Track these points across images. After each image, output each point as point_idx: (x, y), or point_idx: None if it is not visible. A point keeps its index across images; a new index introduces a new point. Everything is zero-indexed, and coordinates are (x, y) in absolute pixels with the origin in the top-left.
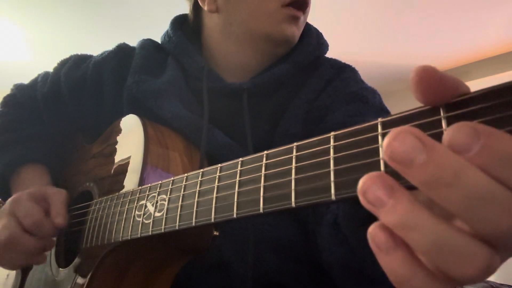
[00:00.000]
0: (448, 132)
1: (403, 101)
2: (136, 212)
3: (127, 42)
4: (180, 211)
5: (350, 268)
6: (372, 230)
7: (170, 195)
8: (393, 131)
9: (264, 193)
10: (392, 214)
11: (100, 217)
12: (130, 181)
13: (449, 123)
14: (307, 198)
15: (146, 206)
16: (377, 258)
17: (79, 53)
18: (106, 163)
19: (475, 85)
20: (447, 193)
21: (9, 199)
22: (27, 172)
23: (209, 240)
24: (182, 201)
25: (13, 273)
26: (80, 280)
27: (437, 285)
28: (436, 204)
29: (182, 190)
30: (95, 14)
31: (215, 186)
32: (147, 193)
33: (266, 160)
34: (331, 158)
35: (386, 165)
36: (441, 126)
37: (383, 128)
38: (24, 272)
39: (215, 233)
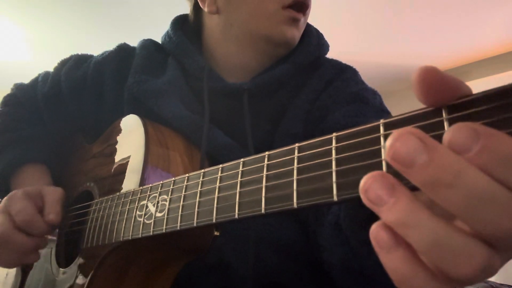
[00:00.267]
0: (448, 132)
1: (403, 101)
2: (137, 212)
3: (127, 42)
4: (182, 211)
5: (351, 268)
6: (374, 229)
7: (171, 195)
8: (395, 133)
9: (266, 193)
10: (392, 212)
11: (101, 217)
12: (131, 181)
13: (451, 125)
14: (309, 199)
15: (147, 206)
16: (379, 256)
17: (80, 53)
18: (107, 163)
19: (475, 85)
20: (447, 193)
21: (5, 197)
22: (28, 172)
23: (209, 240)
24: (183, 201)
25: (12, 272)
26: (80, 280)
27: (437, 285)
28: (436, 204)
29: (184, 191)
30: (95, 14)
31: (217, 187)
32: (148, 193)
33: (268, 160)
34: (333, 159)
35: (388, 166)
36: (443, 128)
37: (385, 129)
38: (24, 272)
39: (216, 233)
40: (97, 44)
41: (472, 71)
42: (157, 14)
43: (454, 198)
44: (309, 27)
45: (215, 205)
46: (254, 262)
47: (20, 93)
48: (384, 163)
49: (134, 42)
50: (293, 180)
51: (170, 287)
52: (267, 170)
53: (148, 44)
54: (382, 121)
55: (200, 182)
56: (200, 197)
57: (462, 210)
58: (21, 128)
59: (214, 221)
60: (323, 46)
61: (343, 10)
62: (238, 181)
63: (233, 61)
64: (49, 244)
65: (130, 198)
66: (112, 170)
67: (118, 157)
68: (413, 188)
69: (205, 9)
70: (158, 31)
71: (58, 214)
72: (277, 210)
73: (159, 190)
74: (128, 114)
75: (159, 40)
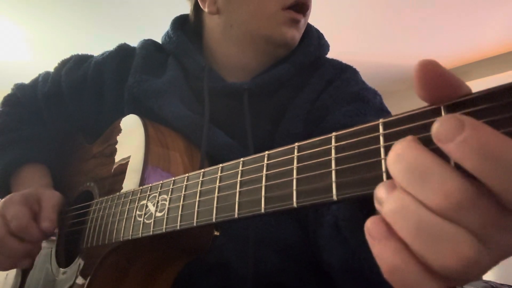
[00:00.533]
0: (436, 122)
1: (403, 101)
2: (137, 212)
3: (127, 42)
4: (181, 211)
5: (350, 269)
6: (368, 222)
7: (171, 195)
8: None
9: (265, 193)
10: (387, 205)
11: (101, 217)
12: (131, 181)
13: None
14: (309, 198)
15: (147, 206)
16: (371, 248)
17: (80, 53)
18: (107, 163)
19: (475, 85)
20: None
21: (2, 200)
22: (28, 172)
23: (209, 240)
24: (183, 201)
25: (12, 272)
26: (80, 280)
27: (427, 280)
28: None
29: (183, 190)
30: (95, 14)
31: (216, 186)
32: (148, 193)
33: (268, 160)
34: (333, 158)
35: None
36: None
37: (384, 129)
38: (24, 272)
39: (216, 233)
40: (97, 44)
41: (472, 71)
42: (157, 14)
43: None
44: (309, 27)
45: (214, 204)
46: (254, 262)
47: (20, 93)
48: (383, 163)
49: (134, 42)
50: (292, 180)
51: (170, 287)
52: (267, 170)
53: (148, 44)
54: (381, 120)
55: (200, 181)
56: (200, 197)
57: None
58: (21, 128)
59: (214, 220)
60: (323, 46)
61: (343, 10)
62: (238, 181)
63: (233, 61)
64: (49, 244)
65: (130, 198)
66: (112, 170)
67: (118, 157)
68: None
69: (206, 9)
70: (158, 31)
71: (53, 221)
72: (276, 209)
73: (159, 190)
74: (128, 114)
75: (159, 40)
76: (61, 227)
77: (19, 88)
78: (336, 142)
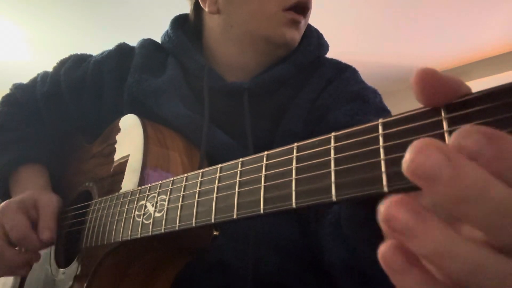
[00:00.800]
0: (457, 137)
1: (403, 101)
2: (136, 213)
3: (127, 42)
4: (180, 211)
5: (351, 268)
6: (384, 252)
7: (170, 195)
8: (415, 145)
9: (264, 193)
10: (424, 243)
11: (100, 217)
12: (130, 181)
13: (450, 124)
14: (308, 199)
15: (146, 207)
16: (391, 278)
17: (79, 53)
18: (106, 163)
19: (475, 85)
20: (471, 208)
21: None
22: (26, 172)
23: (209, 241)
24: (182, 202)
25: None
26: (79, 280)
27: None
28: (455, 218)
29: (182, 191)
30: (95, 14)
31: (215, 187)
32: (147, 193)
33: (267, 160)
34: (332, 158)
35: (386, 165)
36: (442, 127)
37: (383, 129)
38: None
39: (215, 233)
40: (97, 44)
41: (472, 71)
42: (157, 14)
43: (479, 213)
44: (309, 27)
45: (213, 205)
46: (254, 262)
47: (19, 93)
48: (382, 163)
49: (134, 42)
50: (291, 180)
51: (170, 287)
52: (266, 170)
53: (148, 43)
54: (380, 120)
55: (198, 182)
56: (199, 197)
57: (488, 225)
58: (20, 128)
59: (213, 221)
60: (323, 46)
61: (343, 10)
62: (237, 181)
63: (233, 61)
64: None
65: (129, 198)
66: (111, 170)
67: (117, 157)
68: (412, 189)
69: (206, 9)
70: (158, 31)
71: (53, 230)
72: (276, 210)
73: (157, 190)
74: (128, 113)
75: (159, 40)
76: (60, 227)
77: (18, 88)
78: (335, 142)
